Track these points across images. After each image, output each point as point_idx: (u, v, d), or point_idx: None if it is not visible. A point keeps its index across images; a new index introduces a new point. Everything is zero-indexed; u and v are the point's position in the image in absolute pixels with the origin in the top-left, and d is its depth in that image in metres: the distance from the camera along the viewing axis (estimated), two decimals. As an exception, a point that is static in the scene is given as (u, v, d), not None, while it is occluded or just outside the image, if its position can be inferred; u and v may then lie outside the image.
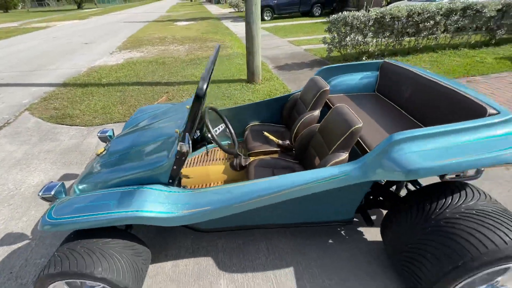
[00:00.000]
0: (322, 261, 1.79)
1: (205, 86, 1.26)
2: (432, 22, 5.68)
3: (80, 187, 1.67)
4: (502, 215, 1.24)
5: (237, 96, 4.51)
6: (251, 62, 4.83)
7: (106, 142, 2.24)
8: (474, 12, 5.81)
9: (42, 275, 1.28)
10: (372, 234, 1.94)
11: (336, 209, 1.65)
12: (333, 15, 5.61)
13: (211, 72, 2.29)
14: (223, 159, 2.35)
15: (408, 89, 2.01)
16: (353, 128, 1.49)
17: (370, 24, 5.51)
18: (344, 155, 1.53)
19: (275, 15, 14.40)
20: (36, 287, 1.31)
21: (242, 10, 18.81)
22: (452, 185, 1.45)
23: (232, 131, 2.02)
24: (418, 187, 1.85)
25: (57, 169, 2.85)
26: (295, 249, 1.87)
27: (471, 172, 1.82)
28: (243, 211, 1.45)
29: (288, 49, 7.66)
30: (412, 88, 1.97)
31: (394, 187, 1.90)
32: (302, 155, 2.00)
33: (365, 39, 5.65)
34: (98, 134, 2.31)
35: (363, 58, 6.03)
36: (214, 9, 24.26)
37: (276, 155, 2.18)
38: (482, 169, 1.84)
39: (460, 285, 1.23)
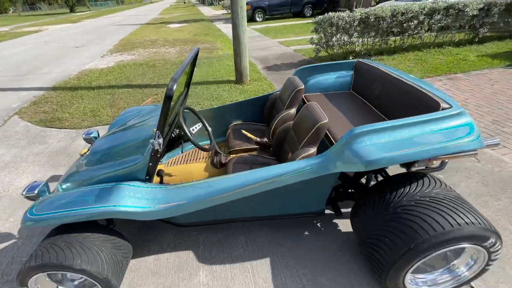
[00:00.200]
0: (297, 251, 1.88)
1: (174, 87, 1.35)
2: (415, 21, 5.83)
3: (63, 186, 1.74)
4: (453, 201, 1.34)
5: (225, 96, 4.59)
6: (239, 63, 4.92)
7: (91, 143, 2.31)
8: (457, 11, 5.97)
9: (24, 268, 1.35)
10: (346, 225, 2.04)
11: (308, 201, 1.74)
12: (319, 16, 5.73)
13: (191, 75, 2.38)
14: (206, 158, 2.43)
15: (378, 87, 2.11)
16: (319, 124, 1.58)
17: (355, 24, 5.64)
18: (312, 150, 1.63)
19: (266, 16, 14.50)
20: (19, 279, 1.38)
21: (234, 11, 18.90)
22: (412, 175, 1.55)
23: (209, 129, 2.10)
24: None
25: (45, 171, 2.91)
26: (272, 241, 1.96)
27: (436, 163, 1.93)
28: (217, 204, 1.53)
29: (277, 50, 7.77)
30: (381, 86, 2.07)
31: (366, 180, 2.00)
32: (279, 151, 2.09)
33: (351, 39, 5.78)
34: (83, 136, 2.38)
35: (350, 58, 6.16)
36: (207, 11, 24.33)
37: (255, 152, 2.27)
38: (446, 160, 1.96)
39: (414, 266, 1.33)
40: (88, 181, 1.68)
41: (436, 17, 5.92)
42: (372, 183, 1.96)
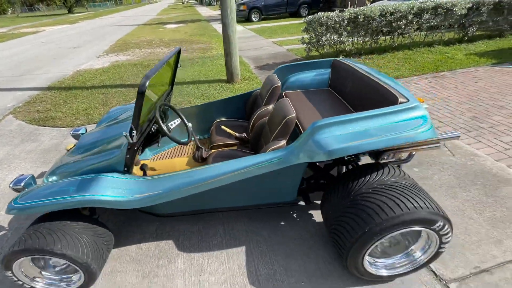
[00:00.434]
0: (272, 240, 1.98)
1: (147, 84, 1.44)
2: (404, 21, 5.93)
3: (49, 178, 1.84)
4: (406, 188, 1.44)
5: (215, 95, 4.69)
6: (229, 63, 5.02)
7: (78, 140, 2.41)
8: (445, 10, 6.07)
9: (8, 252, 1.45)
10: (320, 216, 2.13)
11: (280, 192, 1.84)
12: (309, 16, 5.83)
13: (174, 74, 2.48)
14: (190, 153, 2.53)
15: (350, 84, 2.21)
16: (287, 118, 1.68)
17: (344, 24, 5.74)
18: (282, 142, 1.73)
19: (263, 16, 14.61)
20: (4, 263, 1.48)
21: (231, 11, 19.00)
22: (374, 166, 1.65)
23: (189, 125, 2.20)
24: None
25: (36, 167, 3.01)
26: (249, 231, 2.06)
27: (404, 155, 2.04)
28: (191, 194, 1.63)
29: (271, 50, 7.86)
30: (352, 83, 2.18)
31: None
32: (256, 146, 2.19)
33: (341, 39, 5.88)
34: (71, 133, 2.48)
35: (340, 57, 6.26)
36: (205, 11, 24.42)
37: (235, 147, 2.37)
38: (413, 153, 2.07)
39: (370, 248, 1.43)
40: (72, 173, 1.78)
41: (424, 16, 6.02)
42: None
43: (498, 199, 2.19)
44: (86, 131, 2.54)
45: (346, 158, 1.94)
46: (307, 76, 2.67)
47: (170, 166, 2.37)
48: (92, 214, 1.89)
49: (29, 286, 1.61)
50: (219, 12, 22.61)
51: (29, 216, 2.29)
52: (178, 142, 1.87)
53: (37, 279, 1.62)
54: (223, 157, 2.15)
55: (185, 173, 1.63)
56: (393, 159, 1.94)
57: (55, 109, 4.57)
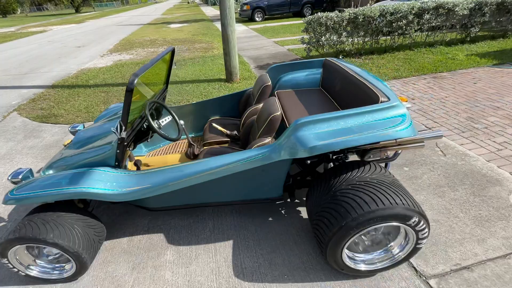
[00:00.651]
0: (259, 235, 2.03)
1: (135, 81, 1.51)
2: (404, 21, 5.92)
3: (46, 172, 1.93)
4: (384, 184, 1.48)
5: (214, 94, 4.76)
6: (228, 62, 5.08)
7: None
8: (446, 10, 6.04)
9: (3, 240, 1.53)
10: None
11: (266, 188, 1.89)
12: (309, 16, 5.86)
13: (169, 73, 2.55)
14: (183, 150, 2.60)
15: (338, 83, 2.25)
16: (271, 116, 1.74)
17: (344, 24, 5.75)
18: (267, 140, 1.78)
19: (266, 16, 14.65)
20: (-1, 251, 1.56)
21: (236, 11, 19.09)
22: (356, 163, 1.69)
23: (181, 122, 2.26)
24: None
25: (37, 162, 3.11)
26: (238, 226, 2.12)
27: (390, 154, 2.08)
28: (179, 188, 1.69)
29: (272, 49, 7.91)
30: (340, 82, 2.21)
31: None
32: (246, 143, 2.25)
33: (340, 39, 5.90)
34: (69, 129, 2.57)
35: (340, 57, 6.28)
36: (209, 11, 24.55)
37: (226, 145, 2.43)
38: (399, 152, 2.10)
39: (348, 242, 1.47)
40: (67, 167, 1.86)
41: (425, 16, 6.00)
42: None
43: (485, 198, 2.21)
44: (84, 127, 2.62)
45: (334, 157, 1.99)
46: (300, 75, 2.72)
47: (163, 162, 2.44)
48: (85, 207, 1.97)
49: (23, 274, 1.69)
50: (223, 11, 22.67)
51: (28, 208, 2.39)
52: (168, 139, 1.94)
53: (31, 267, 1.70)
54: (213, 153, 2.21)
55: (172, 168, 1.70)
56: (379, 158, 1.98)
57: (58, 106, 4.69)
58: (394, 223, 1.41)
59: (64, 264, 1.75)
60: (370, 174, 1.58)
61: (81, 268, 1.69)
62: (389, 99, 1.61)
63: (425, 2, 5.97)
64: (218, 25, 14.37)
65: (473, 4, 6.14)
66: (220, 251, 1.93)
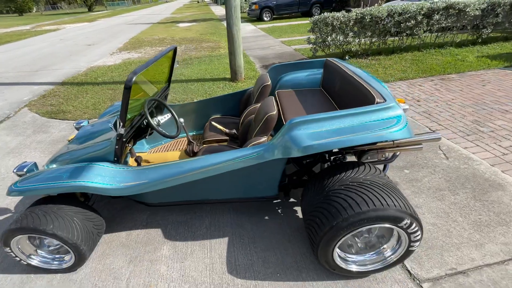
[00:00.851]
0: (254, 233, 2.05)
1: (133, 79, 1.54)
2: (413, 21, 5.82)
3: (50, 166, 1.99)
4: (377, 186, 1.47)
5: (218, 93, 4.80)
6: (233, 62, 5.11)
7: (79, 131, 2.57)
8: (457, 11, 5.91)
9: (6, 230, 1.59)
10: (304, 212, 2.19)
11: (261, 186, 1.91)
12: (315, 16, 5.83)
13: (171, 72, 2.59)
14: (183, 148, 2.64)
15: (337, 84, 2.25)
16: (267, 115, 1.75)
17: (350, 24, 5.70)
18: (263, 139, 1.79)
19: (274, 16, 14.63)
20: (2, 240, 1.63)
21: (244, 11, 19.12)
22: (350, 164, 1.69)
23: (181, 120, 2.29)
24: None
25: (44, 156, 3.21)
26: (234, 224, 2.14)
27: (388, 155, 2.06)
28: (176, 184, 1.72)
29: (278, 49, 7.90)
30: (339, 83, 2.21)
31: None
32: (244, 142, 2.27)
33: (346, 39, 5.85)
34: (74, 125, 2.64)
35: (346, 57, 6.23)
36: (219, 10, 24.67)
37: (225, 143, 2.46)
38: (397, 153, 2.09)
39: (339, 242, 1.47)
40: (69, 161, 1.92)
41: (435, 17, 5.89)
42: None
43: (486, 203, 2.16)
44: (88, 123, 2.69)
45: (332, 157, 1.98)
46: (301, 75, 2.72)
47: (163, 159, 2.48)
48: (86, 200, 2.03)
49: (25, 263, 1.76)
50: (232, 11, 22.74)
51: (32, 200, 2.47)
52: (166, 136, 1.98)
53: (32, 257, 1.77)
54: (211, 151, 2.24)
55: (168, 165, 1.73)
56: (376, 159, 1.97)
57: (67, 103, 4.82)
58: (386, 225, 1.40)
59: (63, 255, 1.81)
60: (364, 175, 1.58)
61: (80, 260, 1.74)
62: (385, 100, 1.60)
63: (435, 2, 5.85)
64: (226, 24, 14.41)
65: (486, 5, 5.99)
66: (215, 248, 1.95)
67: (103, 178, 1.70)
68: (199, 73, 6.02)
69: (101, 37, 12.57)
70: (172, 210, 2.31)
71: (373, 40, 6.18)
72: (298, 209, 2.23)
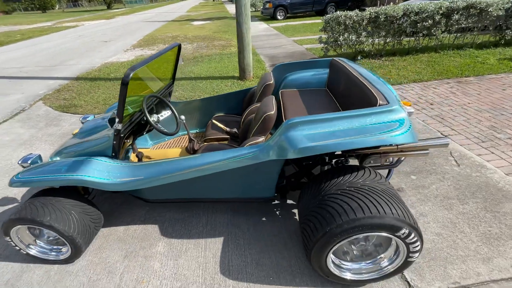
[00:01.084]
0: (251, 234, 2.02)
1: (131, 75, 1.54)
2: (430, 21, 5.59)
3: (53, 158, 2.04)
4: (375, 192, 1.40)
5: (225, 91, 4.78)
6: (242, 60, 5.09)
7: (85, 125, 2.62)
8: (478, 11, 5.63)
9: (6, 220, 1.64)
10: (303, 215, 2.13)
11: (258, 187, 1.87)
12: (327, 15, 5.71)
13: (175, 69, 2.59)
14: (185, 145, 2.64)
15: (342, 84, 2.17)
16: (265, 114, 1.71)
17: (364, 23, 5.54)
18: (260, 139, 1.75)
19: (288, 15, 14.49)
20: (3, 229, 1.67)
21: (258, 9, 19.06)
22: (349, 167, 1.62)
23: (182, 117, 2.28)
24: None
25: (53, 149, 3.30)
26: (230, 224, 2.12)
27: (393, 160, 1.98)
28: (171, 182, 1.71)
29: (290, 48, 7.81)
30: (344, 83, 2.13)
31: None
32: (244, 141, 2.23)
33: (359, 39, 5.69)
34: (81, 119, 2.70)
35: (358, 58, 6.07)
36: (233, 9, 24.72)
37: (226, 142, 2.44)
38: (402, 158, 2.00)
39: (333, 249, 1.42)
40: (70, 154, 1.96)
41: (454, 17, 5.63)
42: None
43: (498, 215, 2.04)
44: (94, 118, 2.74)
45: (334, 160, 1.92)
46: (306, 75, 2.66)
47: (163, 155, 2.49)
48: (86, 194, 2.06)
49: (24, 252, 1.80)
50: (246, 9, 22.74)
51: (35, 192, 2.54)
52: (164, 133, 1.97)
53: (31, 246, 1.81)
54: (211, 150, 2.22)
55: (165, 162, 1.73)
56: (379, 164, 1.89)
57: (79, 97, 4.95)
58: (382, 233, 1.33)
59: (61, 247, 1.84)
60: (363, 180, 1.51)
61: (76, 252, 1.77)
62: (388, 102, 1.52)
63: (455, 2, 5.59)
64: (239, 23, 14.39)
65: (510, 4, 5.67)
66: (210, 247, 1.94)
67: (101, 172, 1.71)
68: (208, 71, 6.04)
69: (117, 34, 12.87)
70: (170, 207, 2.31)
71: (387, 40, 5.98)
72: (296, 211, 2.18)
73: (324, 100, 2.37)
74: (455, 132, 3.14)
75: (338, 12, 5.55)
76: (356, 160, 2.05)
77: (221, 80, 5.37)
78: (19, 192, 2.61)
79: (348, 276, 1.54)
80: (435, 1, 5.87)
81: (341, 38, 5.64)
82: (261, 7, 15.63)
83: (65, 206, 1.73)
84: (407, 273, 1.68)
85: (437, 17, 5.57)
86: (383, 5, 8.77)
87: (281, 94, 2.59)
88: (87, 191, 2.07)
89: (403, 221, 1.31)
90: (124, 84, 1.54)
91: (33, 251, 1.81)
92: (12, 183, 1.74)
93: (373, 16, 5.48)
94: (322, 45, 6.17)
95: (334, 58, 2.50)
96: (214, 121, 2.54)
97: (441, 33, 5.91)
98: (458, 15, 5.58)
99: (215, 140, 2.47)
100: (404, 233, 1.32)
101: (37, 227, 1.71)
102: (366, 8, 5.94)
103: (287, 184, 1.96)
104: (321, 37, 6.11)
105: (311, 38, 8.73)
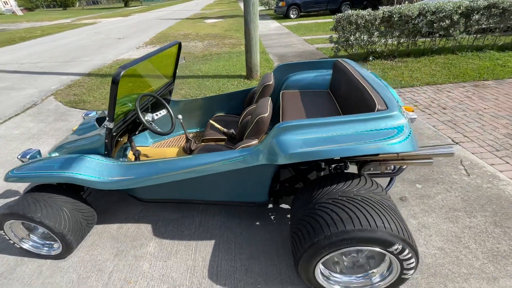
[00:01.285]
0: (243, 238, 1.97)
1: (121, 74, 1.52)
2: (448, 21, 5.33)
3: (52, 154, 2.07)
4: (369, 203, 1.32)
5: (231, 90, 4.75)
6: (249, 59, 5.03)
7: (86, 122, 2.65)
8: (501, 10, 5.32)
9: (0, 214, 1.66)
10: (298, 221, 2.06)
11: (250, 191, 1.82)
12: (338, 14, 5.56)
13: (175, 68, 2.57)
14: (183, 145, 2.62)
15: (344, 86, 2.08)
16: (258, 117, 1.65)
17: (377, 23, 5.36)
18: (253, 142, 1.70)
19: (301, 13, 14.29)
20: (-4, 224, 1.70)
21: (272, 7, 18.91)
22: (344, 175, 1.54)
23: (179, 117, 2.26)
24: None
25: (59, 144, 3.37)
26: (223, 227, 2.08)
27: (391, 168, 1.88)
28: (162, 182, 1.69)
29: (300, 47, 7.68)
30: (345, 86, 2.04)
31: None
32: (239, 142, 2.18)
33: (371, 39, 5.51)
34: (83, 115, 2.73)
35: (370, 58, 5.88)
36: (246, 7, 24.65)
37: (223, 143, 2.40)
38: (404, 167, 1.89)
39: (320, 261, 1.35)
40: (66, 151, 1.98)
41: (474, 17, 5.34)
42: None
43: (508, 231, 1.89)
44: (96, 114, 2.77)
45: (333, 165, 1.84)
46: (308, 76, 2.57)
47: (160, 154, 2.48)
48: (81, 191, 2.07)
49: (18, 246, 1.83)
50: (260, 8, 22.65)
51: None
52: (157, 133, 1.95)
53: (24, 240, 1.84)
54: (207, 150, 2.19)
55: (157, 162, 1.70)
56: (379, 171, 1.80)
57: (89, 93, 5.05)
58: (374, 248, 1.25)
59: (53, 242, 1.86)
60: (357, 189, 1.43)
61: (67, 249, 1.78)
62: (387, 107, 1.43)
63: (475, 1, 5.31)
64: (251, 21, 14.31)
65: (537, 4, 5.32)
66: (200, 250, 1.90)
67: (92, 171, 1.71)
68: (216, 70, 6.02)
69: (131, 32, 13.10)
70: (165, 207, 2.30)
71: (401, 40, 5.76)
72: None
73: (325, 102, 2.28)
74: (467, 139, 2.96)
75: (350, 11, 5.38)
76: (356, 167, 1.96)
77: (228, 79, 5.34)
78: (22, 185, 2.67)
79: (337, 289, 1.46)
80: (453, 0, 5.59)
81: (352, 38, 5.48)
82: (274, 6, 15.49)
83: (57, 202, 1.74)
84: (403, 289, 1.58)
85: (456, 17, 5.30)
86: (400, 4, 8.47)
87: (282, 95, 2.52)
88: (82, 188, 2.08)
89: (396, 236, 1.22)
90: (115, 83, 1.52)
91: (26, 245, 1.84)
92: (7, 178, 1.76)
93: (386, 15, 5.28)
94: (332, 45, 6.02)
95: (338, 59, 2.40)
96: (211, 121, 2.51)
97: (460, 34, 5.64)
98: (479, 15, 5.29)
99: (213, 140, 2.44)
100: (397, 249, 1.23)
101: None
102: (380, 7, 5.74)
103: (281, 189, 1.90)
104: (331, 36, 5.96)
105: (323, 38, 8.55)
